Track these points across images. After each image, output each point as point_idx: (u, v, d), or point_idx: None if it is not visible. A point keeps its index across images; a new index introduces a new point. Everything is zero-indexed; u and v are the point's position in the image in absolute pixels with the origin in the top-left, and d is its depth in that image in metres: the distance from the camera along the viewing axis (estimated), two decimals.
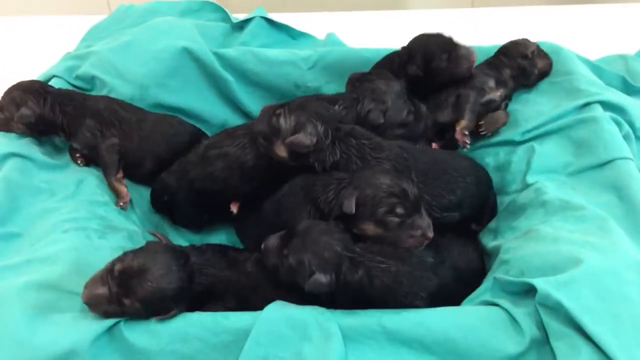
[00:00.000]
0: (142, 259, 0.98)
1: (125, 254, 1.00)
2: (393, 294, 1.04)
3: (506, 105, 1.44)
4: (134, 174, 1.37)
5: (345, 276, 1.02)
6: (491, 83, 1.43)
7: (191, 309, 1.00)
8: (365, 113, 1.30)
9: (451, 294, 1.08)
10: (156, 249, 1.01)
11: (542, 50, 1.47)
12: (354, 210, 1.06)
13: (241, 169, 1.30)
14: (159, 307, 0.97)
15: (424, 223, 1.07)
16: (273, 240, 1.05)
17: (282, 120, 1.17)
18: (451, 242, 1.18)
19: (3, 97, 1.32)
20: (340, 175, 1.15)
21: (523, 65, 1.44)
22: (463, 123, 1.38)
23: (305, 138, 1.15)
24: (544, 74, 1.45)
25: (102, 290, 0.95)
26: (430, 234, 1.06)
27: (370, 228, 1.08)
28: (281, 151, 1.19)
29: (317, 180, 1.16)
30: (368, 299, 1.03)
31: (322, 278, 0.99)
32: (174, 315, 0.97)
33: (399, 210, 1.06)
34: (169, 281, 0.98)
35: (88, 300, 0.96)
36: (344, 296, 1.03)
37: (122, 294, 0.95)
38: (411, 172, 1.20)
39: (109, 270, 0.97)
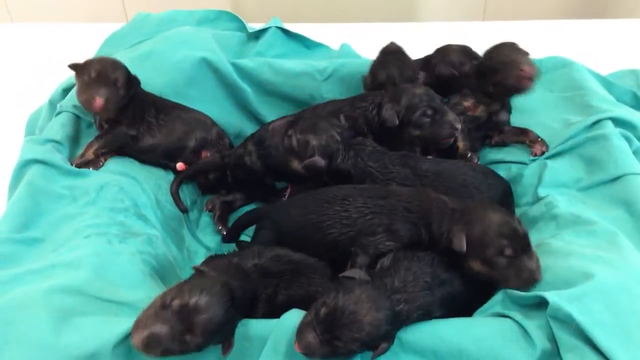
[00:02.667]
0: (200, 294, 0.94)
1: (179, 287, 0.96)
2: (428, 315, 1.03)
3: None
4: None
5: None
6: (467, 103, 1.44)
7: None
8: (382, 117, 1.35)
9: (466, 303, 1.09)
10: (209, 282, 0.97)
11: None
12: (464, 249, 1.05)
13: None
14: (219, 338, 0.96)
15: (533, 265, 1.03)
16: (311, 336, 0.93)
17: (294, 142, 1.25)
18: None
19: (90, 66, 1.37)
20: (454, 205, 1.15)
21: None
22: (461, 146, 1.41)
23: (320, 161, 1.23)
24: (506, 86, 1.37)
25: (164, 329, 0.90)
26: (539, 276, 1.02)
27: (477, 265, 1.06)
28: (296, 166, 1.27)
29: (433, 204, 1.16)
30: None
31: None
32: (229, 352, 0.96)
33: (508, 252, 1.03)
34: (227, 314, 0.95)
35: (148, 342, 0.89)
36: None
37: (185, 331, 0.91)
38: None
39: (165, 306, 0.92)
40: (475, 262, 1.07)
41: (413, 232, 1.16)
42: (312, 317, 0.94)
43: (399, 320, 0.97)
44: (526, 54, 1.37)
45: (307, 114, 1.44)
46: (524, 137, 1.41)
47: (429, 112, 1.33)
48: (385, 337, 0.95)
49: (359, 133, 1.38)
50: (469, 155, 1.40)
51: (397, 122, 1.33)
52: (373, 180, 1.29)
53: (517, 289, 1.01)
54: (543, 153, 1.35)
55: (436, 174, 1.29)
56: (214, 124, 1.51)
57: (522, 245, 1.04)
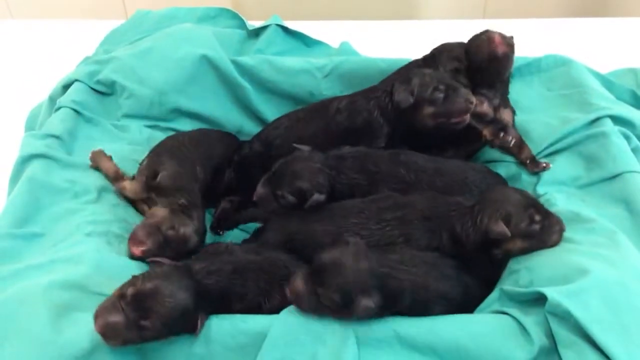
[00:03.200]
0: (154, 279, 0.97)
1: (134, 277, 0.98)
2: (422, 304, 1.05)
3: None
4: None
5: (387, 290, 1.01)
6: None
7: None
8: (395, 101, 1.36)
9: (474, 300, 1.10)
10: (164, 271, 1.00)
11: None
12: (509, 232, 1.07)
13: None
14: (182, 323, 0.97)
15: (557, 218, 1.10)
16: (300, 284, 1.00)
17: (290, 198, 1.26)
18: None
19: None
20: (469, 202, 1.17)
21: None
22: (485, 131, 1.42)
23: (319, 197, 1.25)
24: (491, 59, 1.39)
25: (118, 317, 0.92)
26: (564, 227, 1.10)
27: (517, 243, 1.09)
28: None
29: (451, 207, 1.18)
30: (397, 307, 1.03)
31: (370, 303, 0.97)
32: (202, 328, 0.97)
33: (537, 217, 1.08)
34: (184, 296, 0.98)
35: (103, 331, 0.92)
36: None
37: (141, 317, 0.93)
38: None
39: (121, 295, 0.95)
40: (514, 242, 1.09)
41: (432, 239, 1.17)
42: (305, 271, 1.01)
43: (386, 284, 1.00)
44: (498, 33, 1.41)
45: (315, 107, 1.47)
46: (519, 153, 1.39)
47: (442, 87, 1.33)
48: (364, 290, 0.97)
49: (373, 127, 1.39)
50: (502, 135, 1.39)
51: (411, 100, 1.33)
52: (360, 189, 1.29)
53: (554, 245, 1.08)
54: (535, 172, 1.33)
55: (435, 171, 1.30)
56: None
57: (541, 206, 1.12)
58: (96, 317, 0.93)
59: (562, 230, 1.10)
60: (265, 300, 1.10)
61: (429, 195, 1.23)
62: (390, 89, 1.37)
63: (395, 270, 1.04)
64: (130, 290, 0.94)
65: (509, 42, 1.39)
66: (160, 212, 1.25)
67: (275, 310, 1.02)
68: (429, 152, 1.39)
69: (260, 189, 1.30)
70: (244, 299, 1.08)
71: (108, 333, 0.92)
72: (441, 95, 1.33)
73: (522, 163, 1.36)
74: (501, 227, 1.08)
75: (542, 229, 1.09)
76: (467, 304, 1.08)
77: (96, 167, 1.31)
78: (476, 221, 1.11)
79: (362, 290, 0.97)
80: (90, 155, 1.31)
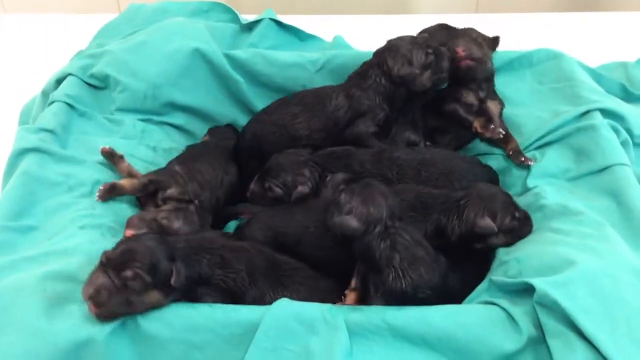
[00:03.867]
0: (126, 242, 1.03)
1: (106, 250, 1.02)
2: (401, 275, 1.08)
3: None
4: None
5: (372, 237, 1.07)
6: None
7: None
8: (396, 76, 1.38)
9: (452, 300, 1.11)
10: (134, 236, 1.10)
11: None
12: (495, 228, 1.13)
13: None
14: (162, 271, 1.00)
15: (525, 212, 1.19)
16: (339, 178, 1.19)
17: (276, 190, 1.31)
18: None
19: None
20: (456, 195, 1.20)
21: None
22: (476, 123, 1.43)
23: (303, 189, 1.29)
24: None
25: (104, 279, 0.96)
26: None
27: (500, 238, 1.16)
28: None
29: (437, 199, 1.21)
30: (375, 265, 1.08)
31: (353, 222, 1.06)
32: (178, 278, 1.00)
33: (517, 213, 1.16)
34: (158, 243, 1.03)
35: (92, 294, 0.95)
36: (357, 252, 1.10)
37: (121, 269, 0.97)
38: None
39: (101, 264, 0.98)
40: (498, 236, 1.15)
41: (419, 229, 1.18)
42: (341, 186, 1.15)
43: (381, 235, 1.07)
44: (465, 35, 1.45)
45: (309, 101, 1.46)
46: (505, 145, 1.41)
47: (429, 50, 1.38)
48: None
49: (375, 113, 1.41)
50: (492, 127, 1.40)
51: (417, 70, 1.37)
52: None
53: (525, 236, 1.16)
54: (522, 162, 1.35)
55: (419, 163, 1.32)
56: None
57: (516, 205, 1.19)
58: (83, 288, 0.97)
59: (531, 222, 1.17)
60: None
61: (414, 187, 1.25)
62: (384, 68, 1.39)
63: (394, 229, 1.08)
64: (106, 255, 0.99)
65: (472, 55, 1.42)
66: (166, 207, 1.27)
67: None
68: (430, 136, 1.46)
69: (252, 185, 1.35)
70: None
71: (96, 297, 0.95)
72: (433, 57, 1.38)
73: (507, 155, 1.38)
74: (488, 223, 1.13)
75: (520, 224, 1.16)
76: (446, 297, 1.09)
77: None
78: (462, 215, 1.15)
79: (357, 214, 1.07)
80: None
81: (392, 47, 1.40)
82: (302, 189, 1.29)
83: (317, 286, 1.18)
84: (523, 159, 1.33)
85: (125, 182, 1.28)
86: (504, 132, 1.39)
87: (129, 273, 0.97)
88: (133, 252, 0.99)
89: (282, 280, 1.16)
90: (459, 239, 1.17)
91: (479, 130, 1.42)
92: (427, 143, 1.49)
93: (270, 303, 1.01)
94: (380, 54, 1.41)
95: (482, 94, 1.44)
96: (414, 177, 1.30)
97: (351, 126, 1.42)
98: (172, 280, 1.00)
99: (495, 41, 1.49)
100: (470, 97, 1.44)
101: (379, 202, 1.08)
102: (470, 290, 1.09)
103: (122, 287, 0.96)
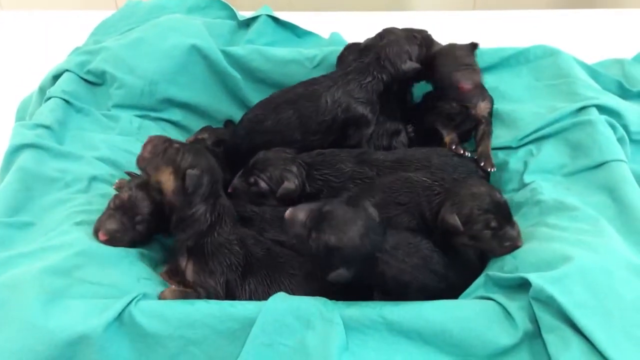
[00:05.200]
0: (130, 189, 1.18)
1: (115, 195, 1.19)
2: (404, 290, 1.08)
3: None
4: None
5: (369, 269, 1.05)
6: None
7: None
8: (401, 72, 1.39)
9: (451, 294, 1.10)
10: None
11: None
12: (461, 227, 1.11)
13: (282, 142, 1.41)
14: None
15: (515, 233, 1.11)
16: (302, 214, 1.05)
17: (262, 184, 1.31)
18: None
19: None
20: (440, 188, 1.20)
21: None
22: (447, 138, 1.42)
23: (290, 185, 1.30)
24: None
25: (115, 224, 1.14)
26: (520, 243, 1.10)
27: (464, 241, 1.14)
28: (272, 202, 1.33)
29: (421, 192, 1.21)
30: (378, 285, 1.08)
31: (345, 274, 1.02)
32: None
33: (493, 224, 1.10)
34: None
35: (107, 238, 1.12)
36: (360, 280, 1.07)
37: (134, 215, 1.16)
38: (374, 191, 1.27)
39: (113, 207, 1.16)
40: (462, 238, 1.13)
41: (409, 222, 1.20)
42: (315, 206, 1.06)
43: (370, 266, 1.04)
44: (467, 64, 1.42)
45: (302, 101, 1.43)
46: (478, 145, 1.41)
47: (418, 35, 1.42)
48: (349, 264, 1.02)
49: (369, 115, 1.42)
50: (454, 147, 1.39)
51: (418, 66, 1.39)
52: (330, 187, 1.32)
53: (499, 255, 1.11)
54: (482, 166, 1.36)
55: (395, 162, 1.33)
56: None
57: (504, 216, 1.12)
58: (97, 229, 1.13)
59: (514, 246, 1.10)
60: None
61: (403, 179, 1.25)
62: (384, 64, 1.39)
63: (387, 255, 1.06)
64: (117, 201, 1.16)
65: (476, 84, 1.41)
66: None
67: None
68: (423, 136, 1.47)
69: (235, 181, 1.34)
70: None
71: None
72: (424, 49, 1.42)
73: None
74: (454, 221, 1.11)
75: (493, 237, 1.11)
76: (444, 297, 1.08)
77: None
78: (439, 209, 1.15)
79: (347, 262, 1.01)
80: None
81: (392, 43, 1.40)
82: (288, 184, 1.30)
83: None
84: (482, 163, 1.35)
85: None
86: (468, 154, 1.39)
87: (138, 218, 1.17)
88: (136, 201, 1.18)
89: (280, 265, 1.17)
90: (441, 233, 1.16)
91: (447, 146, 1.41)
92: (409, 129, 1.50)
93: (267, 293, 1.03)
94: (379, 50, 1.41)
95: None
96: (392, 174, 1.30)
97: (352, 137, 1.42)
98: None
99: (474, 47, 1.48)
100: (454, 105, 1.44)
101: (360, 241, 1.03)
102: (468, 286, 1.10)
103: (133, 227, 1.18)
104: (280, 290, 1.09)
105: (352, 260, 1.02)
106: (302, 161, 1.34)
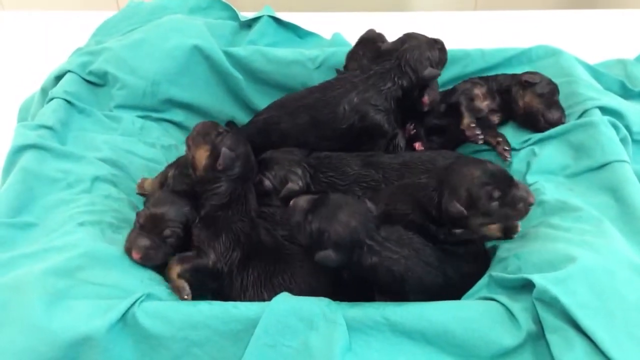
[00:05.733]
0: (155, 205, 1.20)
1: (139, 212, 1.21)
2: (399, 283, 1.07)
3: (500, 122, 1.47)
4: None
5: (358, 259, 1.05)
6: (477, 90, 1.46)
7: None
8: (422, 78, 1.38)
9: (452, 296, 1.10)
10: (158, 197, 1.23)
11: (534, 88, 1.41)
12: (465, 211, 1.09)
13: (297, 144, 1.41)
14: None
15: (523, 192, 1.09)
16: (303, 201, 1.09)
17: (266, 183, 1.32)
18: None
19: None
20: (433, 183, 1.18)
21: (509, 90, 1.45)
22: (466, 120, 1.43)
23: (294, 185, 1.30)
24: (530, 112, 1.40)
25: (146, 241, 1.14)
26: (533, 199, 1.09)
27: (478, 220, 1.12)
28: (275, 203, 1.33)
29: (420, 193, 1.19)
30: (375, 280, 1.07)
31: (332, 255, 1.03)
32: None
33: (496, 194, 1.08)
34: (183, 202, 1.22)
35: (142, 256, 1.12)
36: (351, 273, 1.09)
37: (161, 231, 1.17)
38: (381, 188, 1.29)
39: (139, 227, 1.17)
40: (476, 219, 1.11)
41: (411, 225, 1.18)
42: (313, 196, 1.10)
43: (359, 253, 1.05)
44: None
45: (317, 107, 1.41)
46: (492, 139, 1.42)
47: (438, 45, 1.42)
48: (338, 247, 1.03)
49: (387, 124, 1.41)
50: (472, 127, 1.41)
51: (439, 72, 1.40)
52: (335, 190, 1.31)
53: (520, 219, 1.12)
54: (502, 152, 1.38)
55: (402, 165, 1.33)
56: None
57: (504, 182, 1.09)
58: (129, 249, 1.13)
59: (527, 204, 1.09)
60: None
61: (399, 186, 1.25)
62: (405, 69, 1.38)
63: (378, 245, 1.06)
64: (142, 219, 1.17)
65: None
66: None
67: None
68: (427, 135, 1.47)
69: None
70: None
71: (147, 257, 1.13)
72: (437, 50, 1.41)
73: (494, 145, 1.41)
74: (455, 208, 1.09)
75: (503, 206, 1.09)
76: (445, 297, 1.08)
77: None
78: (440, 203, 1.14)
79: (335, 244, 1.03)
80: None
81: (414, 48, 1.39)
82: (292, 185, 1.30)
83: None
84: (505, 149, 1.36)
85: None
86: (482, 139, 1.41)
87: (167, 232, 1.19)
88: (163, 217, 1.20)
89: (285, 258, 1.18)
90: (450, 227, 1.15)
91: (463, 126, 1.43)
92: (410, 126, 1.49)
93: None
94: (401, 54, 1.40)
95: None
96: (399, 177, 1.31)
97: (365, 145, 1.41)
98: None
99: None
100: (483, 100, 1.45)
101: (352, 224, 1.04)
102: (470, 285, 1.09)
103: (163, 242, 1.18)
104: (281, 282, 1.13)
105: (340, 243, 1.03)
106: (308, 163, 1.34)
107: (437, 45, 1.41)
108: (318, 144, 1.41)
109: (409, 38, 1.42)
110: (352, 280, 1.12)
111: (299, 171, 1.32)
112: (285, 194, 1.30)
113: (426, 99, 1.42)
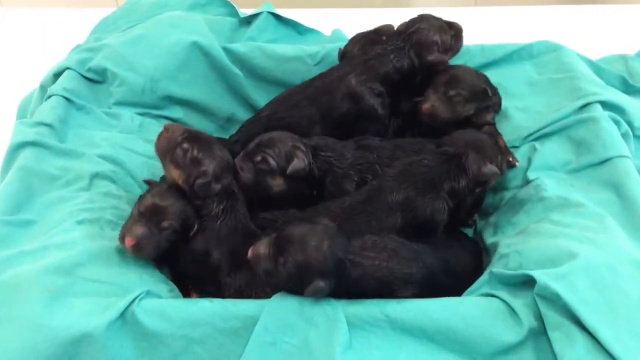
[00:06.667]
0: (158, 194, 1.16)
1: (141, 196, 1.18)
2: (387, 287, 1.07)
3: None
4: None
5: (345, 278, 1.03)
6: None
7: None
8: (427, 62, 1.36)
9: (440, 285, 1.12)
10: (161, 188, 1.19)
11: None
12: (499, 171, 1.21)
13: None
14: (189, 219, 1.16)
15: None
16: (263, 248, 1.04)
17: (271, 161, 1.25)
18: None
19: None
20: (449, 153, 1.22)
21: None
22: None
23: (299, 162, 1.25)
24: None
25: (142, 229, 1.11)
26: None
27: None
28: (279, 183, 1.28)
29: (436, 172, 1.21)
30: (364, 292, 1.04)
31: (321, 284, 0.99)
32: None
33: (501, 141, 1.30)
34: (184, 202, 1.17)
35: (135, 244, 1.09)
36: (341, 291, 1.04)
37: (159, 221, 1.13)
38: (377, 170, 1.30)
39: (139, 213, 1.14)
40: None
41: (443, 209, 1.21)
42: (274, 236, 1.05)
43: (344, 271, 1.02)
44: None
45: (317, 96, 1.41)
46: None
47: (452, 33, 1.39)
48: (324, 275, 0.99)
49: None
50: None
51: (445, 58, 1.37)
52: (333, 173, 1.31)
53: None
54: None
55: (394, 146, 1.33)
56: None
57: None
58: (123, 236, 1.10)
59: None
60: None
61: (409, 175, 1.23)
62: (409, 51, 1.36)
63: (358, 256, 1.05)
64: (142, 207, 1.14)
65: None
66: None
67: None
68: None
69: (239, 161, 1.27)
70: None
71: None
72: (454, 40, 1.39)
73: None
74: (491, 168, 1.20)
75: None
76: (434, 287, 1.09)
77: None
78: (467, 172, 1.20)
79: (320, 272, 0.99)
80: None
81: (422, 30, 1.37)
82: (297, 163, 1.25)
83: None
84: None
85: None
86: None
87: (165, 224, 1.15)
88: (165, 203, 1.17)
89: None
90: (470, 192, 1.22)
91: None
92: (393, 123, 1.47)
93: None
94: (407, 37, 1.37)
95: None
96: (391, 156, 1.31)
97: (359, 131, 1.40)
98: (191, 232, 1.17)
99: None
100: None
101: (325, 246, 1.01)
102: (456, 268, 1.12)
103: (160, 233, 1.15)
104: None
105: (324, 269, 1.00)
106: (307, 142, 1.31)
107: (451, 30, 1.37)
108: (324, 135, 1.39)
109: (421, 20, 1.39)
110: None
111: (302, 147, 1.28)
112: (292, 171, 1.24)
113: (425, 107, 1.37)
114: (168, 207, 1.15)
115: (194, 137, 1.19)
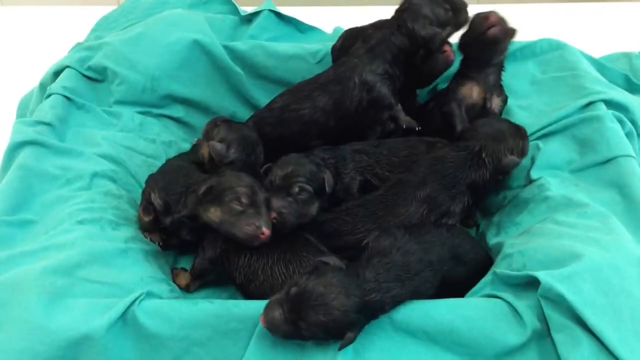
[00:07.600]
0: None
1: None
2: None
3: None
4: None
5: (371, 314, 0.97)
6: (464, 89, 1.43)
7: None
8: (420, 37, 1.34)
9: (457, 281, 1.11)
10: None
11: None
12: (519, 160, 1.24)
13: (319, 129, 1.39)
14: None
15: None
16: (276, 311, 0.93)
17: (307, 188, 1.21)
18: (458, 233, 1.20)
19: None
20: (471, 147, 1.25)
21: None
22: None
23: (328, 175, 1.26)
24: None
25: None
26: None
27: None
28: (316, 206, 1.25)
29: (459, 167, 1.24)
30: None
31: (352, 337, 0.93)
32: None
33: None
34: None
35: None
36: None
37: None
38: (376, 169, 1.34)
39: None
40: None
41: (463, 203, 1.24)
42: (282, 295, 0.94)
43: (370, 310, 0.96)
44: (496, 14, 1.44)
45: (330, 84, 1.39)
46: None
47: (447, 6, 1.36)
48: (351, 325, 0.93)
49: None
50: None
51: (438, 31, 1.34)
52: (340, 177, 1.33)
53: None
54: None
55: (388, 149, 1.36)
56: None
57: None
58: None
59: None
60: None
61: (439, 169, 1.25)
62: (401, 29, 1.35)
63: (374, 293, 0.97)
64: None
65: (504, 27, 1.38)
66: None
67: None
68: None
69: (277, 204, 1.19)
70: None
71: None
72: (450, 13, 1.36)
73: None
74: (512, 159, 1.23)
75: None
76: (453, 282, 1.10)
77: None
78: (487, 165, 1.23)
79: (346, 325, 0.93)
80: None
81: (411, 6, 1.35)
82: (330, 178, 1.24)
83: None
84: None
85: None
86: None
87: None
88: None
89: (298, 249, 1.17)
90: (495, 182, 1.27)
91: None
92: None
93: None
94: (398, 15, 1.37)
95: (487, 93, 1.42)
96: (388, 159, 1.35)
97: (370, 118, 1.40)
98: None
99: None
100: (475, 93, 1.41)
101: (343, 298, 0.93)
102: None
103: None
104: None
105: (349, 321, 0.93)
106: (322, 160, 1.31)
107: (445, 4, 1.35)
108: (338, 125, 1.38)
109: (413, 4, 1.36)
110: None
111: (319, 160, 1.29)
112: (330, 185, 1.24)
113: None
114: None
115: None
